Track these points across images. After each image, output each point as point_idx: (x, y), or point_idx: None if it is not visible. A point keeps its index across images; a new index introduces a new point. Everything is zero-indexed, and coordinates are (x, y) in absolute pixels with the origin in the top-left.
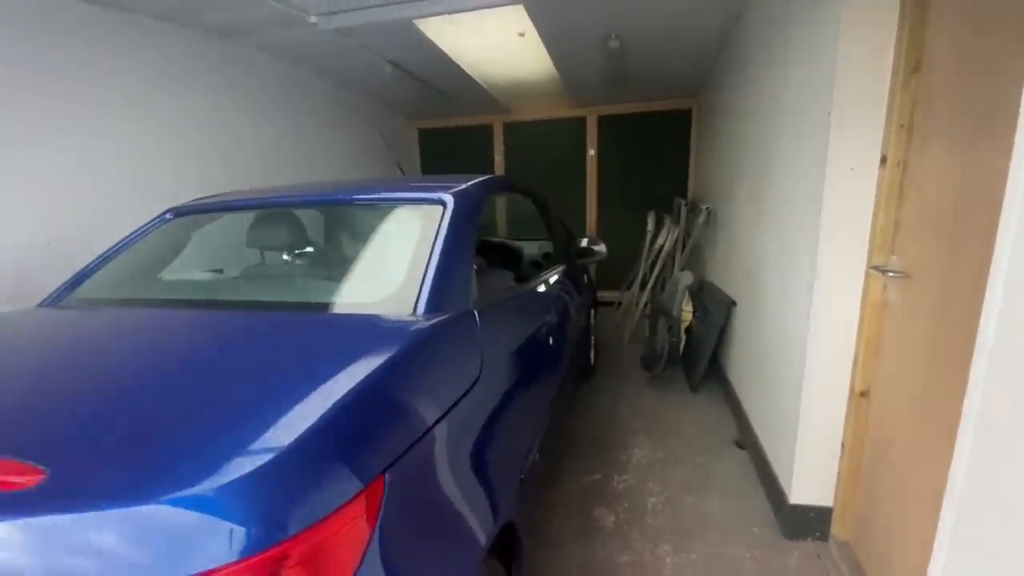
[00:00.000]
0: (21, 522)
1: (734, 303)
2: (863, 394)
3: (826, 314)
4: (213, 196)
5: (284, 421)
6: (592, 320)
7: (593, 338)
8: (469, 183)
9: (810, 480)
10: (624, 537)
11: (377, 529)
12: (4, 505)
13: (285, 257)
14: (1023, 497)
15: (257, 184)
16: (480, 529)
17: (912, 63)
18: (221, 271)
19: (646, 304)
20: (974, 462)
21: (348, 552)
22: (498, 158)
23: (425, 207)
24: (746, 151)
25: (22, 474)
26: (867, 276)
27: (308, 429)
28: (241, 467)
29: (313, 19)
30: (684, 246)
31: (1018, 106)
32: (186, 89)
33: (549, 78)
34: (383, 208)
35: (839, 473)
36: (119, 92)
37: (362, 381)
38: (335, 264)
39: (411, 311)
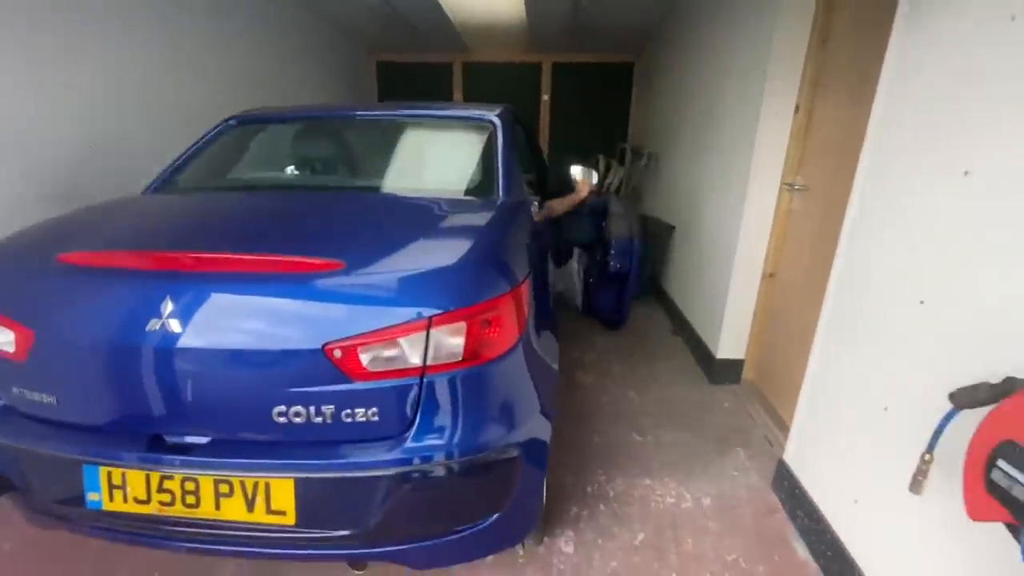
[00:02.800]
0: (338, 292)
1: (673, 227)
2: (772, 275)
3: (751, 219)
4: (269, 108)
5: (467, 242)
6: None
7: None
8: (501, 108)
9: (730, 341)
10: (600, 388)
11: (528, 309)
12: (324, 280)
13: (370, 157)
14: (862, 307)
15: (240, 103)
16: (556, 329)
17: (820, 40)
18: (323, 167)
19: None
20: (837, 293)
21: (514, 318)
22: (457, 95)
23: (480, 124)
24: (693, 99)
25: (330, 262)
26: (780, 190)
27: (491, 242)
28: (461, 259)
29: None
30: (627, 185)
31: (878, 73)
32: (179, 11)
33: (517, 22)
34: (446, 123)
35: (750, 333)
36: (130, 15)
37: (497, 226)
38: (423, 164)
39: (493, 196)
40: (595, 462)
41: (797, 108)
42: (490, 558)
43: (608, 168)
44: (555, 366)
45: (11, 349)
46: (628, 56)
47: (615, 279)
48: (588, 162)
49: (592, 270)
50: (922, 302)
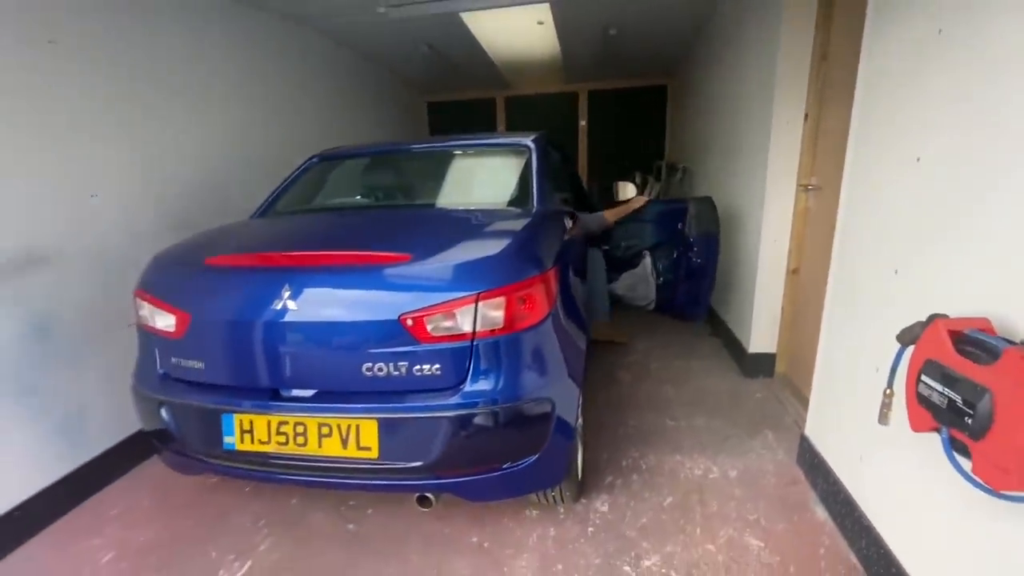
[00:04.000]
0: (408, 277)
1: None
2: (795, 271)
3: (772, 219)
4: (342, 146)
5: (506, 239)
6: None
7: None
8: (536, 135)
9: (761, 336)
10: (639, 383)
11: (558, 290)
12: (397, 268)
13: (428, 181)
14: (854, 282)
15: (312, 147)
16: (584, 320)
17: (821, 55)
18: (389, 191)
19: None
20: (837, 273)
21: (544, 297)
22: (501, 127)
23: (518, 148)
24: (719, 115)
25: (400, 255)
26: (797, 192)
27: (525, 239)
28: (501, 250)
29: (382, 9)
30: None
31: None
32: (257, 67)
33: (552, 58)
34: (489, 150)
35: (780, 327)
36: (222, 74)
37: (530, 227)
38: (471, 183)
39: (529, 206)
40: (630, 442)
41: (806, 116)
42: (535, 512)
43: (645, 183)
44: (582, 345)
45: (172, 329)
46: (661, 79)
47: (695, 274)
48: (626, 178)
49: (666, 269)
50: (896, 271)
